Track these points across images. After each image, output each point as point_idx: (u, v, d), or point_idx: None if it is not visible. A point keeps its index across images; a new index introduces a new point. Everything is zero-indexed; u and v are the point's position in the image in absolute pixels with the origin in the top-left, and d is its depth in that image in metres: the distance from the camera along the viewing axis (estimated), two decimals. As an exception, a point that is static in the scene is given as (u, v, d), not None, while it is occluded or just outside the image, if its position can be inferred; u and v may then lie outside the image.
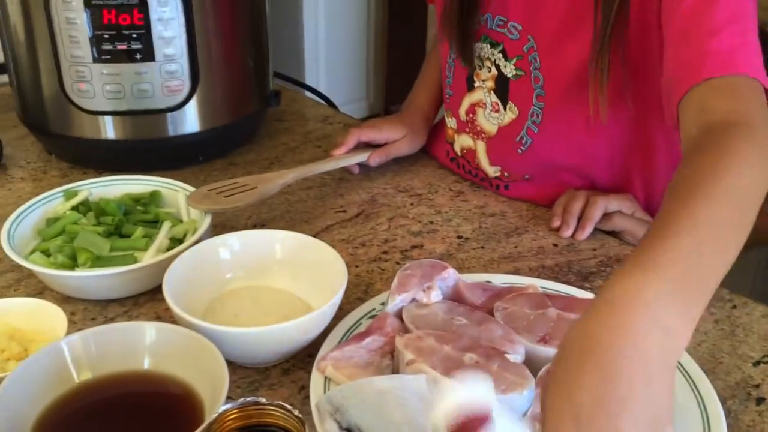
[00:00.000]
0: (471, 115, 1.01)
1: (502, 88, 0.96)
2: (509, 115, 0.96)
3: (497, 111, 0.97)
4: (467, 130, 1.03)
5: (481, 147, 1.01)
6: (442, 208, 0.99)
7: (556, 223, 0.93)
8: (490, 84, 0.97)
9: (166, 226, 0.80)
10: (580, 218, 0.92)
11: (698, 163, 0.60)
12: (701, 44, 0.73)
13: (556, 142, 0.94)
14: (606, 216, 0.92)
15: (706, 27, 0.73)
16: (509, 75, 0.95)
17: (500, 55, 0.95)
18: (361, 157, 1.03)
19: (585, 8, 0.85)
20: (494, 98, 0.97)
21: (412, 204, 0.99)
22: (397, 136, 1.06)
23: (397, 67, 3.53)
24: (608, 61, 0.83)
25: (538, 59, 0.91)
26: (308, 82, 3.43)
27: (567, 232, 0.92)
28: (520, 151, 0.96)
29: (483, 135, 1.00)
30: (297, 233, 0.77)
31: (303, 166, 0.97)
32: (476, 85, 0.99)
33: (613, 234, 0.92)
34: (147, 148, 1.01)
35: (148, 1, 0.90)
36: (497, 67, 0.96)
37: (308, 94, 1.44)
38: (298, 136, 1.19)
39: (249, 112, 1.09)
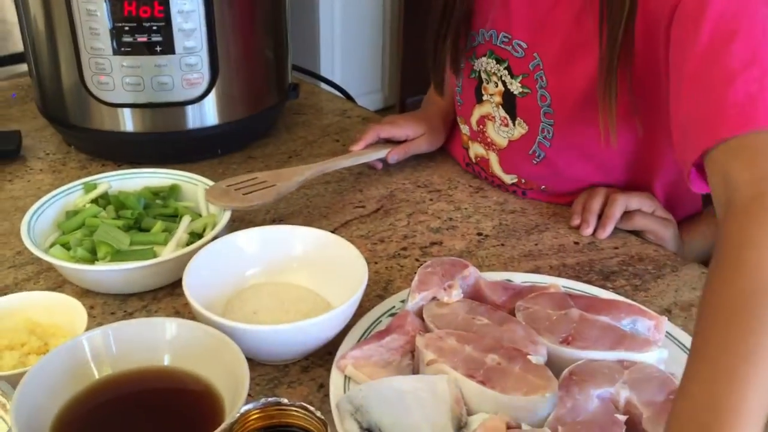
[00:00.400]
0: (481, 126, 1.00)
1: (510, 103, 0.95)
2: (519, 130, 0.95)
3: (506, 125, 0.96)
4: (479, 140, 1.02)
5: (493, 157, 1.00)
6: (462, 204, 0.98)
7: (576, 221, 0.92)
8: (498, 99, 0.96)
9: (185, 220, 0.80)
10: (600, 216, 0.91)
11: (715, 267, 0.56)
12: (717, 94, 0.69)
13: (571, 156, 0.93)
14: (626, 214, 0.91)
15: (722, 72, 0.70)
16: (516, 92, 0.93)
17: (506, 72, 0.94)
18: (380, 153, 1.02)
19: (589, 28, 0.84)
20: (503, 113, 0.96)
21: (431, 200, 0.99)
22: (416, 134, 1.05)
23: (412, 58, 3.51)
24: (616, 87, 0.82)
25: (544, 78, 0.90)
26: (323, 73, 3.43)
27: (587, 231, 0.91)
28: (534, 162, 0.95)
29: (494, 147, 0.99)
30: (317, 229, 0.77)
31: (321, 162, 0.97)
32: (484, 98, 0.98)
33: (635, 232, 0.91)
34: (166, 141, 1.01)
35: (168, -7, 0.90)
36: (503, 83, 0.95)
37: (325, 86, 1.43)
38: (316, 129, 1.18)
39: (268, 105, 1.09)
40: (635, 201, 0.91)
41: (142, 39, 0.91)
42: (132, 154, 1.03)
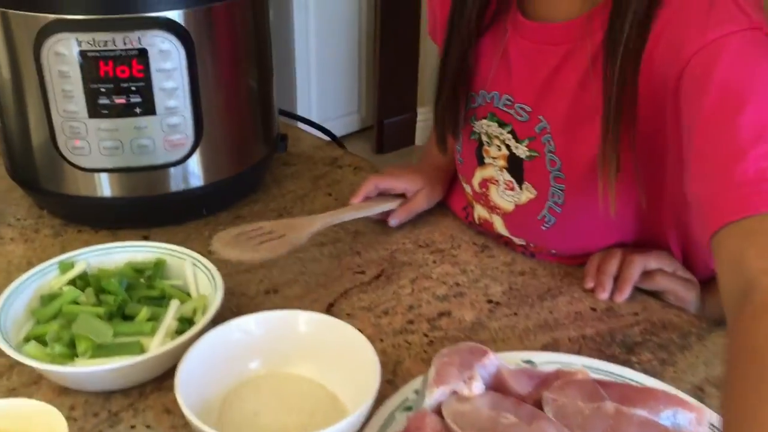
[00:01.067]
0: (484, 189, 0.95)
1: (516, 167, 0.89)
2: (526, 194, 0.89)
3: (512, 189, 0.91)
4: (481, 202, 0.96)
5: (498, 221, 0.95)
6: (468, 265, 0.92)
7: (590, 284, 0.86)
8: (502, 163, 0.90)
9: (173, 305, 0.73)
10: (616, 278, 0.86)
11: (736, 382, 0.51)
12: (726, 171, 0.64)
13: (584, 221, 0.87)
14: (646, 274, 0.85)
15: (731, 145, 0.64)
16: (522, 156, 0.88)
17: (509, 136, 0.88)
18: (388, 206, 0.97)
19: (595, 92, 0.79)
20: (507, 177, 0.91)
21: (434, 262, 0.92)
22: (415, 187, 0.99)
23: (389, 79, 3.47)
24: (617, 152, 0.77)
25: (552, 142, 0.84)
26: (299, 95, 3.38)
27: (603, 295, 0.85)
28: (544, 228, 0.89)
29: (498, 210, 0.94)
30: (320, 315, 0.71)
31: (328, 213, 0.91)
32: (486, 161, 0.93)
33: (653, 294, 0.86)
34: (147, 206, 0.93)
35: (148, 51, 0.83)
36: (508, 147, 0.89)
37: (306, 127, 1.36)
38: (306, 182, 1.11)
39: (256, 160, 1.02)
40: (654, 261, 0.85)
41: (120, 101, 0.84)
42: (110, 220, 0.95)
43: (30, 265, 0.88)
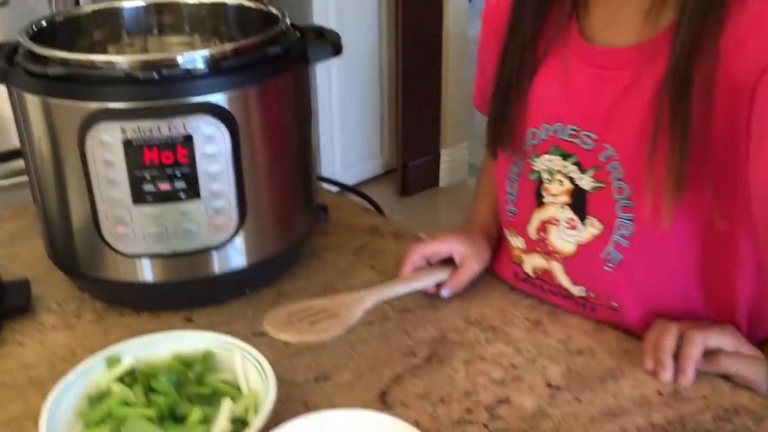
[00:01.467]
0: (542, 234, 0.92)
1: (579, 202, 0.87)
2: (590, 230, 0.87)
3: (574, 228, 0.88)
4: (538, 249, 0.93)
5: (557, 267, 0.92)
6: (522, 344, 0.88)
7: (649, 365, 0.82)
8: (564, 198, 0.88)
9: (226, 406, 0.70)
10: (676, 356, 0.82)
11: None
12: None
13: (651, 256, 0.84)
14: (709, 356, 0.81)
15: None
16: (587, 188, 0.86)
17: (574, 167, 0.86)
18: (439, 276, 0.95)
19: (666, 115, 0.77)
20: (569, 214, 0.88)
21: (487, 340, 0.89)
22: (460, 247, 0.96)
23: (411, 121, 3.47)
24: (684, 173, 0.75)
25: (620, 169, 0.82)
26: (323, 141, 3.38)
27: (665, 374, 0.81)
28: (607, 268, 0.87)
29: (557, 255, 0.91)
30: (382, 415, 0.68)
31: (377, 288, 0.89)
32: (546, 200, 0.90)
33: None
34: (190, 288, 0.91)
35: (192, 137, 0.81)
36: (571, 180, 0.87)
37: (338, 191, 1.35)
38: (347, 253, 1.09)
39: (298, 236, 1.00)
40: (714, 338, 0.81)
41: (165, 187, 0.82)
42: (152, 303, 0.93)
43: (74, 355, 0.87)
